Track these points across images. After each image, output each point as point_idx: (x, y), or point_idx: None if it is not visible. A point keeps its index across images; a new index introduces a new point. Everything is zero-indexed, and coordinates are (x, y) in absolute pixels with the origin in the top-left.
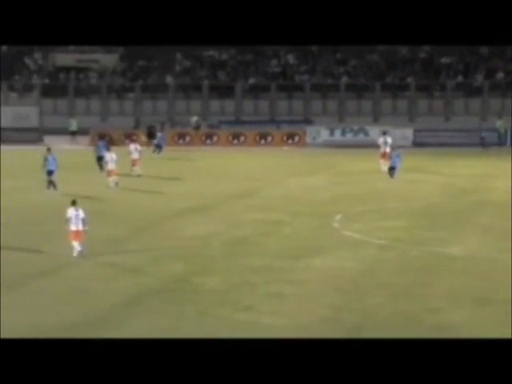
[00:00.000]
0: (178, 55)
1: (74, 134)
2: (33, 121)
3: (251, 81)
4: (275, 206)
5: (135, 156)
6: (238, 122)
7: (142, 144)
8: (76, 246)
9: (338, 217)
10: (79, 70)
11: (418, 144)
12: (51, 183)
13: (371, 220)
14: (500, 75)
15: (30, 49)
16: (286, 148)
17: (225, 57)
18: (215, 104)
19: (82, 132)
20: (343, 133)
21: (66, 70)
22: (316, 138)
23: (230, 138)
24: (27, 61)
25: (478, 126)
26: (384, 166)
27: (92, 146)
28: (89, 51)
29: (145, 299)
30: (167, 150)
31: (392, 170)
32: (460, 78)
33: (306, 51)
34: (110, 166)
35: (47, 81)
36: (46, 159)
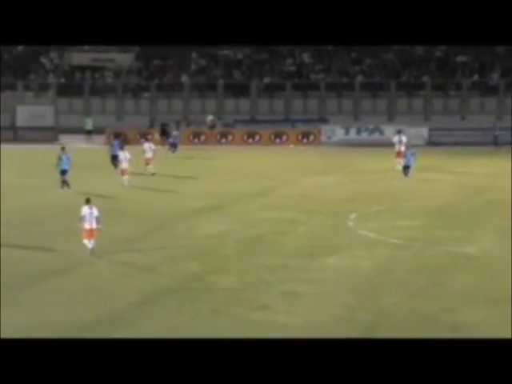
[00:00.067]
0: (194, 54)
1: (89, 133)
2: (48, 120)
3: (266, 80)
4: (290, 204)
5: (149, 155)
6: (253, 121)
7: (156, 143)
8: (88, 244)
9: (353, 216)
10: (95, 69)
11: (433, 143)
12: (64, 182)
13: (386, 219)
14: None
15: (46, 48)
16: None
17: (240, 56)
18: (230, 103)
19: (97, 131)
20: (358, 132)
21: (82, 69)
22: (331, 137)
23: (245, 137)
24: (43, 60)
25: (493, 124)
26: (399, 164)
27: (107, 145)
28: (104, 50)
29: (159, 298)
30: (182, 149)
31: (406, 168)
32: (476, 77)
33: (321, 50)
34: (124, 164)
35: (63, 80)
36: (60, 158)
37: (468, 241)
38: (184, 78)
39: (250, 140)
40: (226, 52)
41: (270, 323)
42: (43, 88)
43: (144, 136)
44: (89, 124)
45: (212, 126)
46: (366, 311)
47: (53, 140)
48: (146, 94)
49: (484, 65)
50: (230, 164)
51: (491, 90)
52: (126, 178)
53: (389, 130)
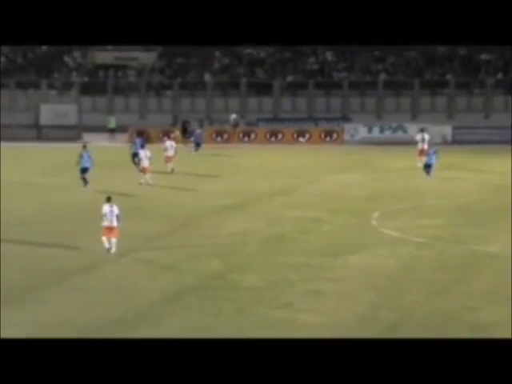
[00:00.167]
0: (217, 53)
1: (112, 131)
2: (72, 118)
3: (289, 78)
4: (313, 203)
5: (170, 153)
6: (275, 119)
7: (177, 141)
8: (106, 241)
9: (376, 214)
10: (118, 67)
11: (456, 141)
12: (84, 180)
13: (409, 218)
14: None
15: (70, 47)
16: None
17: (263, 54)
18: (253, 101)
19: (120, 129)
20: (381, 130)
21: (105, 67)
22: (354, 135)
23: (268, 136)
24: (66, 59)
25: None
26: (421, 163)
27: (130, 144)
28: (127, 49)
29: (182, 296)
30: (205, 148)
31: (428, 167)
32: (500, 75)
33: (344, 49)
34: (145, 163)
35: (86, 79)
36: (81, 156)
37: (491, 240)
38: (207, 77)
39: (273, 138)
40: (249, 50)
41: (293, 322)
42: (67, 86)
43: (167, 134)
44: (112, 122)
45: (235, 125)
46: (389, 310)
47: (76, 138)
48: (169, 93)
49: (508, 63)
50: (252, 162)
51: None
52: (147, 176)
53: (412, 129)
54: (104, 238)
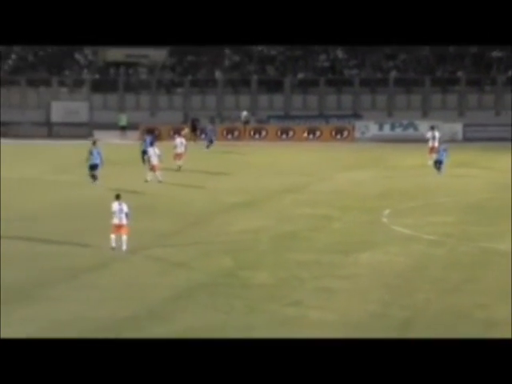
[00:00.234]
0: (227, 50)
1: (123, 128)
2: (83, 116)
3: (300, 75)
4: (324, 200)
5: (180, 150)
6: (286, 116)
7: (186, 138)
8: (113, 240)
9: (387, 212)
10: (129, 65)
11: (467, 139)
12: (94, 177)
13: (420, 215)
14: None
15: None
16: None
17: (273, 52)
18: (264, 99)
19: (131, 127)
20: (392, 127)
21: (116, 65)
22: (365, 132)
23: (279, 133)
24: (77, 56)
25: None
26: (431, 160)
27: (141, 141)
28: (138, 46)
29: (194, 294)
30: (216, 145)
31: (439, 163)
32: (511, 73)
33: (355, 46)
34: (154, 161)
35: (97, 76)
36: (90, 152)
37: (502, 237)
38: (218, 74)
39: (284, 136)
40: (259, 48)
41: (304, 319)
42: (78, 84)
43: (177, 132)
44: (123, 120)
45: (246, 122)
46: (400, 307)
47: (87, 136)
48: (180, 90)
49: None
50: (263, 160)
51: None
52: (157, 173)
53: (423, 126)
54: (112, 236)
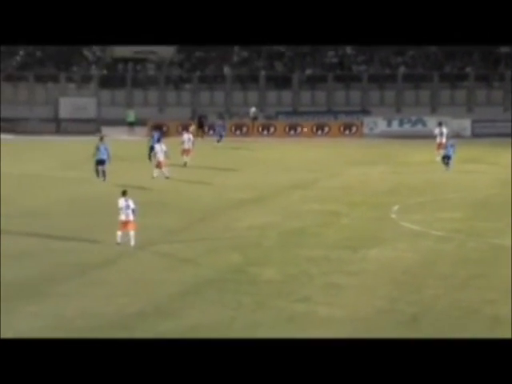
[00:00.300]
0: (236, 46)
1: (131, 124)
2: (91, 112)
3: (308, 71)
4: (332, 196)
5: (187, 146)
6: (295, 112)
7: (194, 135)
8: (119, 236)
9: (396, 208)
10: (137, 61)
11: (476, 135)
12: (102, 173)
13: (429, 211)
14: None
15: None
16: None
17: (282, 48)
18: (272, 95)
19: (139, 123)
20: (401, 123)
21: (124, 61)
22: (373, 128)
23: (287, 129)
24: (85, 52)
25: None
26: (439, 156)
27: (148, 137)
28: None
29: (201, 290)
30: (224, 141)
31: (447, 159)
32: None
33: None
34: (160, 157)
35: (105, 72)
36: (97, 148)
37: (509, 233)
38: (226, 70)
39: (292, 132)
40: None
41: (312, 315)
42: (86, 80)
43: (186, 128)
44: (131, 116)
45: (254, 118)
46: (409, 303)
47: (95, 132)
48: (188, 86)
49: None
50: (271, 156)
51: None
52: (164, 170)
53: (431, 122)
54: (119, 233)
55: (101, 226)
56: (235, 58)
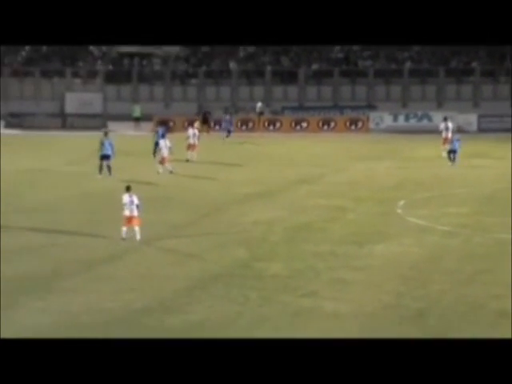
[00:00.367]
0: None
1: (137, 120)
2: (97, 107)
3: (314, 66)
4: (338, 191)
5: (192, 141)
6: (301, 107)
7: (199, 130)
8: (124, 232)
9: (402, 203)
10: (143, 56)
11: (482, 129)
12: (107, 168)
13: (435, 206)
14: None
15: None
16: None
17: None
18: (278, 90)
19: (145, 118)
20: (407, 118)
21: (130, 56)
22: (379, 123)
23: (293, 124)
24: (91, 47)
25: None
26: (445, 152)
27: (154, 133)
28: None
29: (208, 285)
30: (230, 136)
31: (453, 153)
32: None
33: None
34: (164, 153)
35: (111, 67)
36: (102, 143)
37: None
38: (232, 65)
39: (298, 127)
40: None
41: (319, 310)
42: (91, 75)
43: (191, 123)
44: (137, 111)
45: (260, 113)
46: (415, 298)
47: (101, 127)
48: (194, 81)
49: None
50: (277, 151)
51: None
52: (167, 165)
53: (437, 117)
54: (124, 228)
55: (107, 221)
56: (241, 53)
